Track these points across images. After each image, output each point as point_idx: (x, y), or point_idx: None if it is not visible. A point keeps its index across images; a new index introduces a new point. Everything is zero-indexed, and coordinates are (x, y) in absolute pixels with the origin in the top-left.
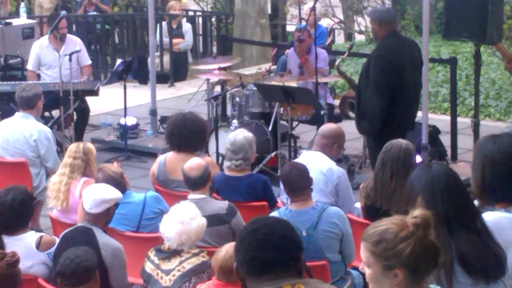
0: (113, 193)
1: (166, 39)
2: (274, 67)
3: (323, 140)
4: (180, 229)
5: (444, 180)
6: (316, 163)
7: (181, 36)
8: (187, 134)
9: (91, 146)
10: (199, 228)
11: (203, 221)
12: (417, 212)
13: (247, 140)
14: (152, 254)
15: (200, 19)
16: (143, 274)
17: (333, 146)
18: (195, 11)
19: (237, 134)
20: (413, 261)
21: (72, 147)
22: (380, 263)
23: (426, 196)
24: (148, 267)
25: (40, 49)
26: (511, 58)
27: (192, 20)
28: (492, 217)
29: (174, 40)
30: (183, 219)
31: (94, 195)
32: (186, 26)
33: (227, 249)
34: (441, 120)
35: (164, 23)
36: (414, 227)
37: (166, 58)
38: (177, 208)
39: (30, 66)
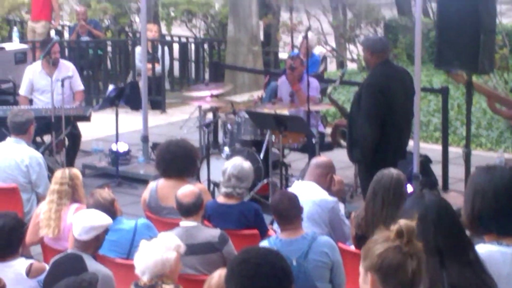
0: (102, 220)
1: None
2: None
3: (318, 169)
4: (146, 261)
5: (436, 212)
6: (309, 194)
7: (156, 60)
8: (171, 158)
9: (76, 171)
10: (164, 261)
11: (171, 255)
12: (402, 222)
13: (251, 170)
14: None
15: (193, 46)
16: None
17: (327, 176)
18: (187, 37)
19: (243, 162)
20: (380, 263)
21: (58, 174)
22: (361, 265)
23: (418, 227)
24: None
25: (33, 74)
26: (490, 95)
27: (184, 46)
28: (484, 250)
29: (150, 65)
30: (151, 251)
31: (84, 221)
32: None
33: (220, 273)
34: (433, 150)
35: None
36: (393, 234)
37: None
38: (147, 242)
39: (22, 91)
